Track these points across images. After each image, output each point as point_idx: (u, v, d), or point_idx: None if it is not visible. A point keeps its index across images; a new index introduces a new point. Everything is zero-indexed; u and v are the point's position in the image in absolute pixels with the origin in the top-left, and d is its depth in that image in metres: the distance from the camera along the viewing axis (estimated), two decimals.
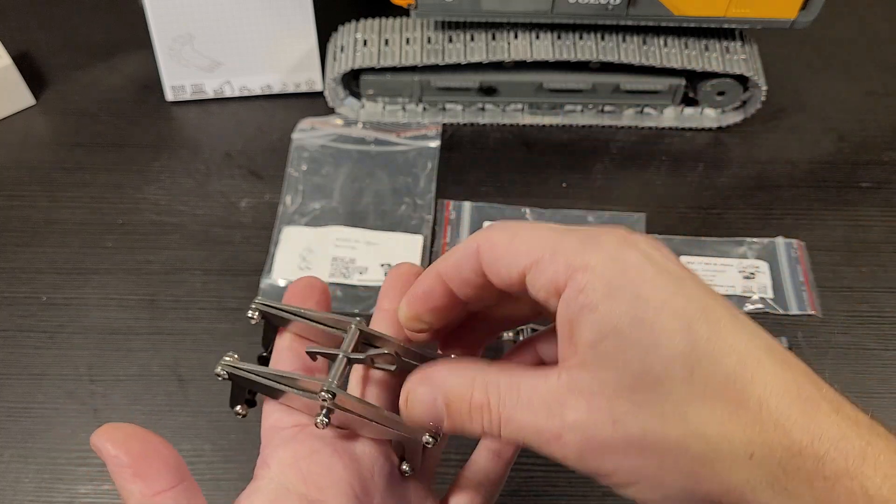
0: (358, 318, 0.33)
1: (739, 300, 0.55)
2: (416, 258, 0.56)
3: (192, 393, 0.51)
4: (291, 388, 0.30)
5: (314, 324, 0.33)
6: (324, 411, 0.29)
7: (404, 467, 0.32)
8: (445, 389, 0.27)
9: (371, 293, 0.55)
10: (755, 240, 0.58)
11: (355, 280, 0.55)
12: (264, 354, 0.35)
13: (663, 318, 0.24)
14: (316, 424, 0.29)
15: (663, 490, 0.24)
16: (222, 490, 0.47)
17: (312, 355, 0.33)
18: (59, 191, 0.60)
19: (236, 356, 0.32)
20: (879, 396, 0.51)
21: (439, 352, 0.32)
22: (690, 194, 0.61)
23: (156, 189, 0.60)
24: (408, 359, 0.32)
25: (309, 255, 0.56)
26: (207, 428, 0.49)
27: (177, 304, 0.54)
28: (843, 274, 0.56)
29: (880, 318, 0.54)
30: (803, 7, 0.57)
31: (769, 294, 0.55)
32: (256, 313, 0.33)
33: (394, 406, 0.30)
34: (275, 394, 0.31)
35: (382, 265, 0.56)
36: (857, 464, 0.22)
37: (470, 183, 0.61)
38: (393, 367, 0.32)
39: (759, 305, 0.54)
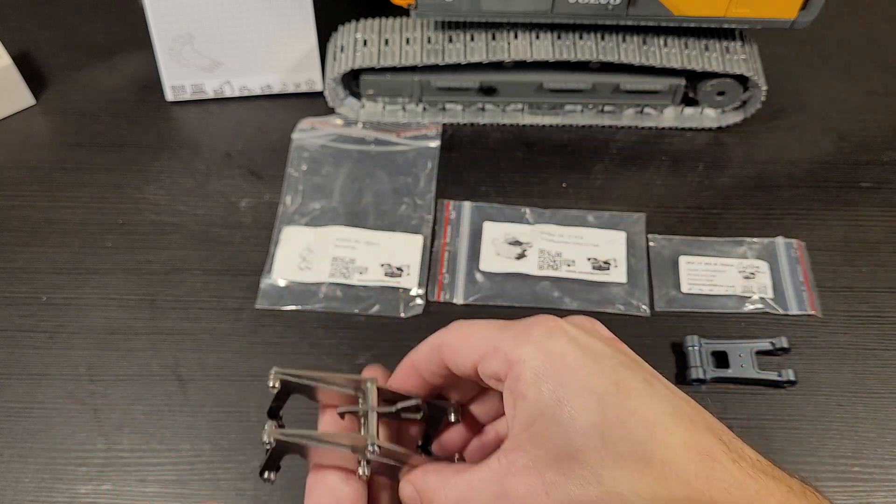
0: (372, 377, 0.36)
1: (739, 300, 0.55)
2: (416, 258, 0.56)
3: (191, 393, 0.51)
4: (338, 444, 0.33)
5: (332, 387, 0.35)
6: (366, 462, 0.33)
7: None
8: (422, 488, 0.33)
9: (371, 293, 0.55)
10: (755, 240, 0.58)
11: (355, 280, 0.55)
12: (274, 405, 0.35)
13: (579, 397, 0.28)
14: (360, 476, 0.33)
15: None
16: (222, 490, 0.47)
17: (342, 415, 0.35)
18: (59, 191, 0.60)
19: (275, 423, 0.34)
20: (879, 396, 0.51)
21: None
22: (690, 194, 0.61)
23: (156, 189, 0.60)
24: (430, 408, 0.36)
25: (309, 255, 0.56)
26: (207, 428, 0.49)
27: (177, 304, 0.54)
28: (843, 274, 0.56)
29: (880, 318, 0.54)
30: (803, 7, 0.57)
31: (769, 294, 0.55)
32: (277, 382, 0.34)
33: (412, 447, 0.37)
34: (320, 455, 0.34)
35: (382, 265, 0.56)
36: None
37: (470, 183, 0.61)
38: (419, 415, 0.35)
39: (759, 305, 0.54)
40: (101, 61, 0.69)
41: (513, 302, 0.55)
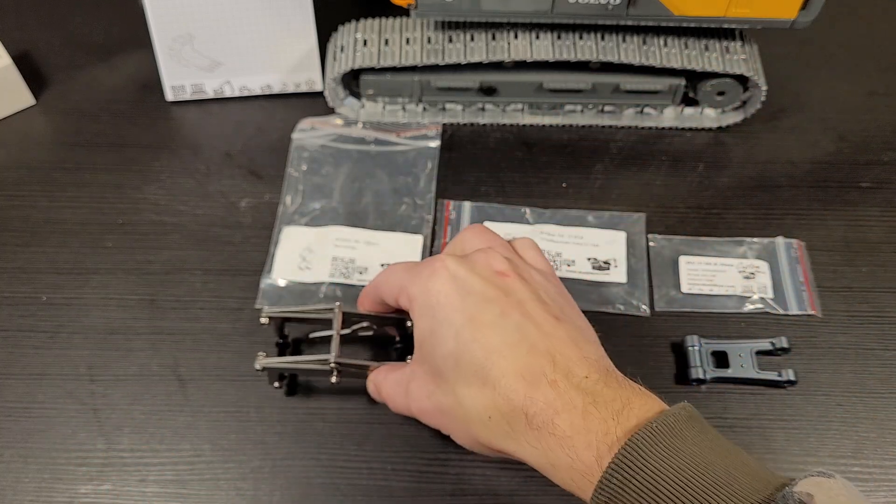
0: (338, 303, 0.48)
1: (739, 300, 0.55)
2: (416, 258, 0.56)
3: (191, 393, 0.51)
4: (311, 366, 0.47)
5: (310, 314, 0.50)
6: (335, 373, 0.47)
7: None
8: (375, 382, 0.46)
9: None
10: (755, 240, 0.58)
11: (355, 280, 0.55)
12: (279, 341, 0.52)
13: (443, 328, 0.37)
14: (332, 382, 0.47)
15: (459, 437, 0.39)
16: (222, 490, 0.47)
17: (316, 339, 0.52)
18: (59, 191, 0.60)
19: (265, 354, 0.48)
20: (879, 396, 0.51)
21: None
22: (690, 194, 0.61)
23: (156, 189, 0.60)
24: (381, 326, 0.49)
25: (309, 255, 0.56)
26: (207, 428, 0.49)
27: (177, 304, 0.54)
28: (843, 274, 0.57)
29: (880, 318, 0.54)
30: (803, 7, 0.57)
31: (769, 294, 0.55)
32: (267, 319, 0.49)
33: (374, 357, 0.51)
34: (300, 371, 0.49)
35: (382, 265, 0.56)
36: (552, 417, 0.34)
37: (470, 183, 0.61)
38: (371, 333, 0.50)
39: (759, 305, 0.54)
40: (101, 61, 0.69)
41: None
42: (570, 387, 0.34)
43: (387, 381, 0.44)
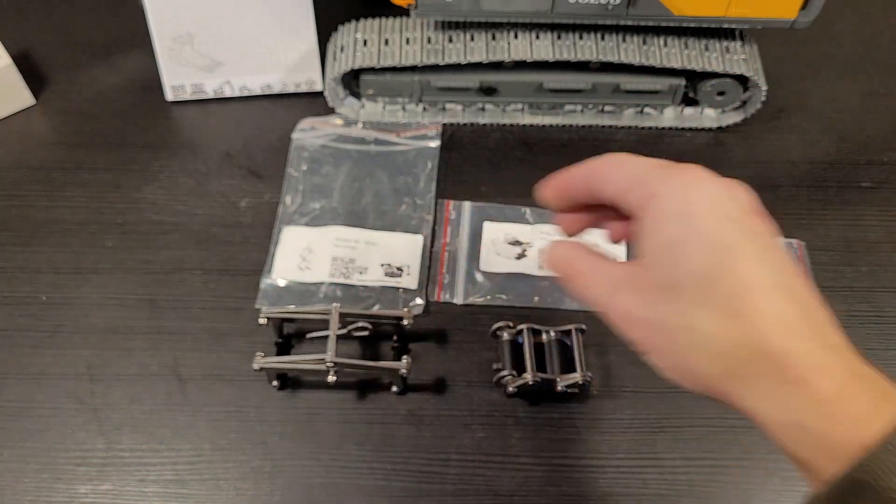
0: (335, 304, 0.49)
1: None
2: (416, 258, 0.56)
3: (191, 392, 0.50)
4: (308, 366, 0.47)
5: (308, 315, 0.50)
6: (333, 372, 0.47)
7: (394, 389, 0.50)
8: (566, 255, 0.39)
9: (371, 293, 0.55)
10: None
11: (355, 280, 0.55)
12: (279, 341, 0.52)
13: (698, 244, 0.33)
14: (329, 381, 0.47)
15: (664, 360, 0.34)
16: (222, 490, 0.47)
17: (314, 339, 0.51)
18: (59, 191, 0.60)
19: (263, 354, 0.48)
20: None
21: None
22: None
23: (155, 189, 0.60)
24: (378, 327, 0.51)
25: (309, 255, 0.56)
26: (207, 427, 0.49)
27: (177, 304, 0.54)
28: (843, 274, 0.56)
29: (880, 318, 0.54)
30: (803, 7, 0.57)
31: None
32: (266, 319, 0.50)
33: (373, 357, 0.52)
34: (298, 371, 0.50)
35: (382, 265, 0.56)
36: (812, 375, 0.30)
37: (470, 183, 0.61)
38: (367, 333, 0.50)
39: None
40: (101, 61, 0.69)
41: (513, 302, 0.54)
42: (829, 348, 0.32)
43: (587, 263, 0.38)
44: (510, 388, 0.49)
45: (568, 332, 0.50)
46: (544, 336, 0.50)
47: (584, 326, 0.50)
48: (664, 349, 0.34)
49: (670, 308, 0.33)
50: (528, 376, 0.47)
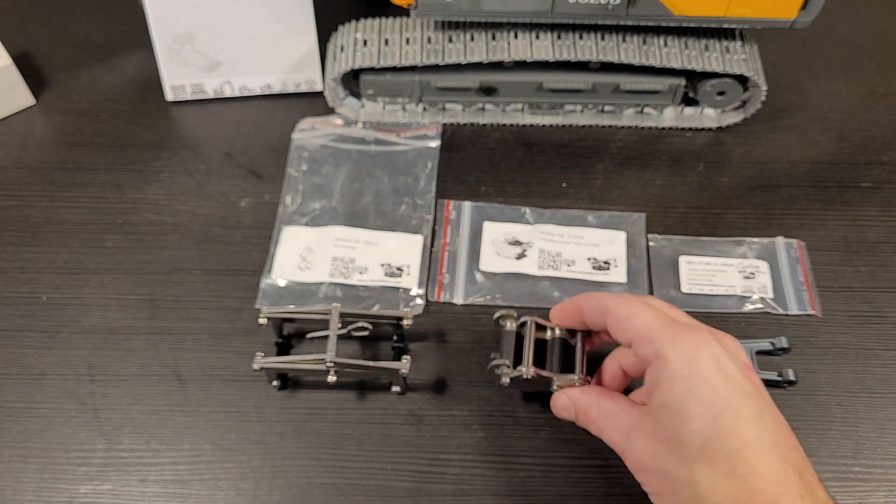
0: (335, 304, 0.49)
1: (739, 300, 0.55)
2: (416, 258, 0.56)
3: (191, 393, 0.51)
4: (308, 366, 0.48)
5: (308, 315, 0.50)
6: (333, 372, 0.48)
7: (395, 389, 0.50)
8: (577, 402, 0.45)
9: (371, 293, 0.55)
10: (755, 240, 0.58)
11: (355, 280, 0.55)
12: (279, 341, 0.52)
13: (700, 406, 0.37)
14: (330, 381, 0.48)
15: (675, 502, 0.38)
16: (222, 490, 0.47)
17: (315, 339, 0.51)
18: (59, 191, 0.60)
19: (263, 354, 0.48)
20: (879, 396, 0.51)
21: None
22: (690, 194, 0.61)
23: (156, 189, 0.60)
24: (378, 327, 0.51)
25: (309, 255, 0.56)
26: (207, 428, 0.49)
27: (177, 304, 0.54)
28: (843, 274, 0.56)
29: (880, 318, 0.54)
30: (803, 7, 0.57)
31: (769, 294, 0.55)
32: (266, 319, 0.50)
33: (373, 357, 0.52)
34: (298, 371, 0.50)
35: (382, 265, 0.56)
36: None
37: (470, 183, 0.61)
38: (366, 333, 0.50)
39: (759, 305, 0.54)
40: (101, 61, 0.69)
41: (512, 302, 0.54)
42: None
43: (599, 410, 0.43)
44: (504, 380, 0.47)
45: (573, 333, 0.48)
46: (548, 333, 0.49)
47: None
48: (669, 497, 0.38)
49: (676, 461, 0.37)
50: (524, 369, 0.46)
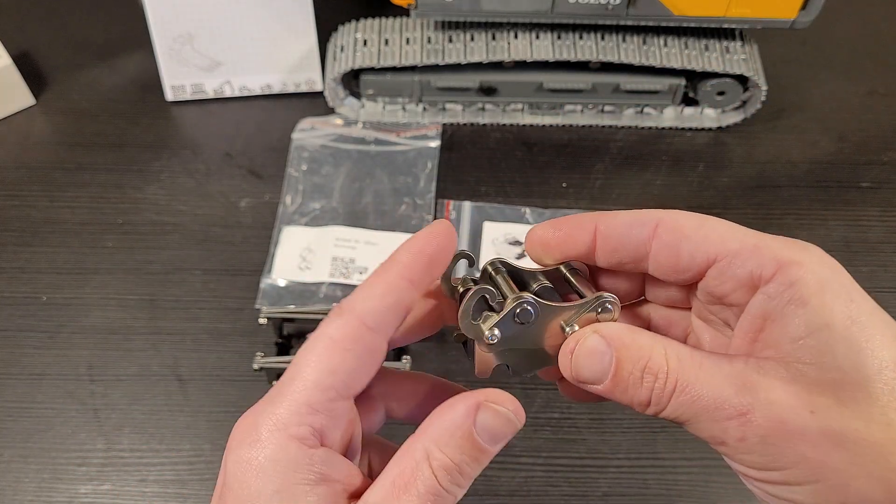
0: (335, 304, 0.41)
1: None
2: None
3: (191, 393, 0.50)
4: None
5: (309, 315, 0.50)
6: None
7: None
8: (622, 345, 0.25)
9: None
10: None
11: (355, 280, 0.55)
12: (279, 341, 0.52)
13: (877, 323, 0.24)
14: None
15: (846, 494, 0.23)
16: None
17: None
18: (59, 191, 0.60)
19: (262, 354, 0.49)
20: None
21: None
22: (690, 194, 0.61)
23: (156, 189, 0.60)
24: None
25: (309, 254, 0.56)
26: (207, 427, 0.49)
27: (177, 304, 0.54)
28: None
29: None
30: (803, 7, 0.57)
31: None
32: (266, 319, 0.50)
33: None
34: None
35: None
36: None
37: (470, 183, 0.61)
38: None
39: None
40: (101, 61, 0.69)
41: None
42: None
43: (670, 353, 0.25)
44: (487, 335, 0.27)
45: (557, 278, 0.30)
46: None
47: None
48: (851, 474, 0.23)
49: (860, 416, 0.23)
50: (527, 295, 0.27)
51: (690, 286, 0.28)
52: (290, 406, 0.24)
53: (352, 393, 0.25)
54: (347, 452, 0.26)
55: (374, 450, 0.30)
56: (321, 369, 0.24)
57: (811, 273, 0.24)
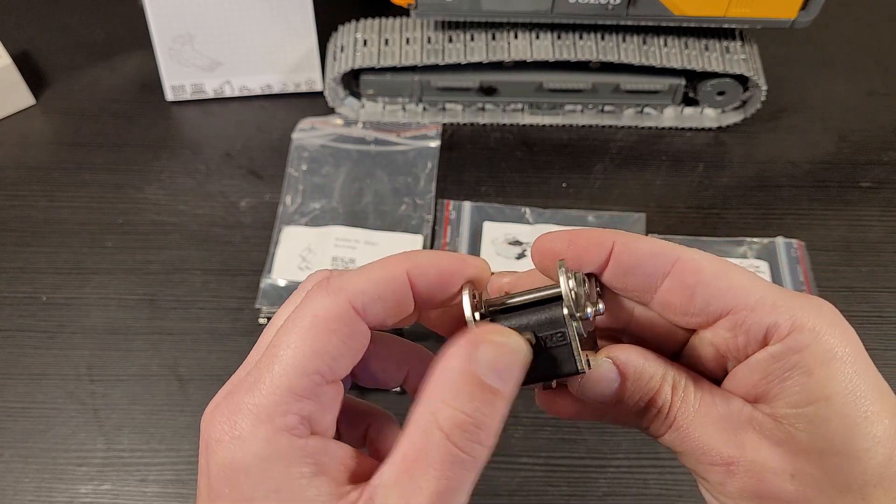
0: None
1: None
2: None
3: (191, 393, 0.51)
4: None
5: None
6: None
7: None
8: (633, 373, 0.25)
9: None
10: (755, 240, 0.58)
11: None
12: None
13: (876, 397, 0.24)
14: None
15: None
16: None
17: None
18: (59, 191, 0.60)
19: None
20: None
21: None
22: (690, 194, 0.61)
23: (156, 189, 0.60)
24: None
25: (309, 254, 0.56)
26: None
27: (177, 304, 0.54)
28: (843, 274, 0.56)
29: (880, 318, 0.54)
30: (803, 7, 0.57)
31: None
32: (266, 319, 0.48)
33: None
34: None
35: None
36: None
37: (470, 183, 0.61)
38: None
39: None
40: (101, 61, 0.69)
41: None
42: None
43: (677, 384, 0.25)
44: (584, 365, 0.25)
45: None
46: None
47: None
48: None
49: (841, 490, 0.23)
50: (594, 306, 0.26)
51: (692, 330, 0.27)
52: (273, 394, 0.22)
53: (337, 377, 0.23)
54: (343, 437, 0.25)
55: (373, 420, 0.29)
56: (304, 351, 0.22)
57: (821, 342, 0.24)
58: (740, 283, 0.25)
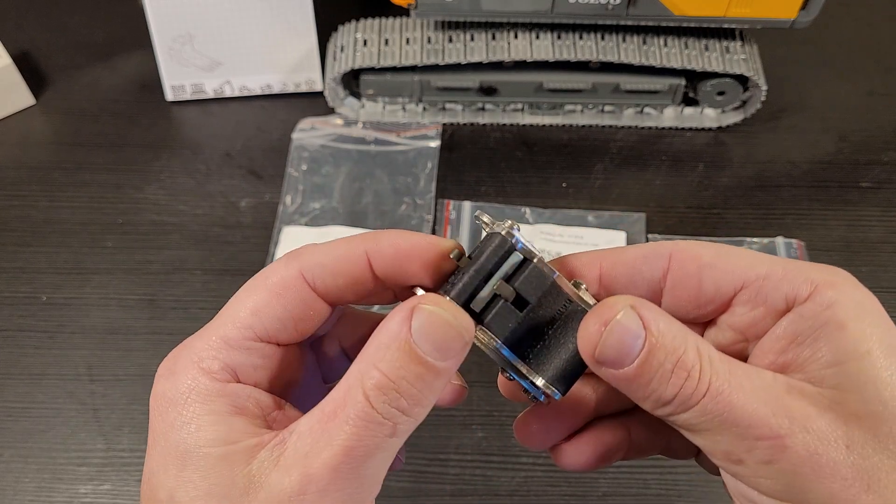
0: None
1: None
2: None
3: None
4: None
5: None
6: None
7: None
8: (658, 330, 0.22)
9: None
10: (755, 240, 0.58)
11: None
12: None
13: None
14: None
15: None
16: None
17: None
18: (59, 191, 0.60)
19: None
20: None
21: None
22: (690, 194, 0.61)
23: (156, 189, 0.60)
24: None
25: None
26: None
27: (177, 304, 0.54)
28: None
29: None
30: (803, 7, 0.57)
31: None
32: None
33: None
34: None
35: None
36: None
37: (470, 183, 0.61)
38: None
39: None
40: (101, 61, 0.69)
41: None
42: None
43: (702, 350, 0.22)
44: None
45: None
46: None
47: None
48: None
49: (886, 448, 0.21)
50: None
51: (708, 323, 0.25)
52: (207, 340, 0.24)
53: (274, 339, 0.25)
54: (290, 398, 0.25)
55: None
56: (245, 308, 0.24)
57: (848, 296, 0.22)
58: (744, 258, 0.24)
